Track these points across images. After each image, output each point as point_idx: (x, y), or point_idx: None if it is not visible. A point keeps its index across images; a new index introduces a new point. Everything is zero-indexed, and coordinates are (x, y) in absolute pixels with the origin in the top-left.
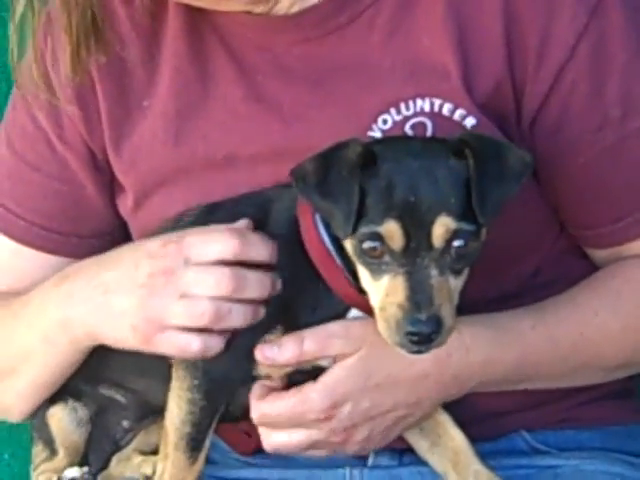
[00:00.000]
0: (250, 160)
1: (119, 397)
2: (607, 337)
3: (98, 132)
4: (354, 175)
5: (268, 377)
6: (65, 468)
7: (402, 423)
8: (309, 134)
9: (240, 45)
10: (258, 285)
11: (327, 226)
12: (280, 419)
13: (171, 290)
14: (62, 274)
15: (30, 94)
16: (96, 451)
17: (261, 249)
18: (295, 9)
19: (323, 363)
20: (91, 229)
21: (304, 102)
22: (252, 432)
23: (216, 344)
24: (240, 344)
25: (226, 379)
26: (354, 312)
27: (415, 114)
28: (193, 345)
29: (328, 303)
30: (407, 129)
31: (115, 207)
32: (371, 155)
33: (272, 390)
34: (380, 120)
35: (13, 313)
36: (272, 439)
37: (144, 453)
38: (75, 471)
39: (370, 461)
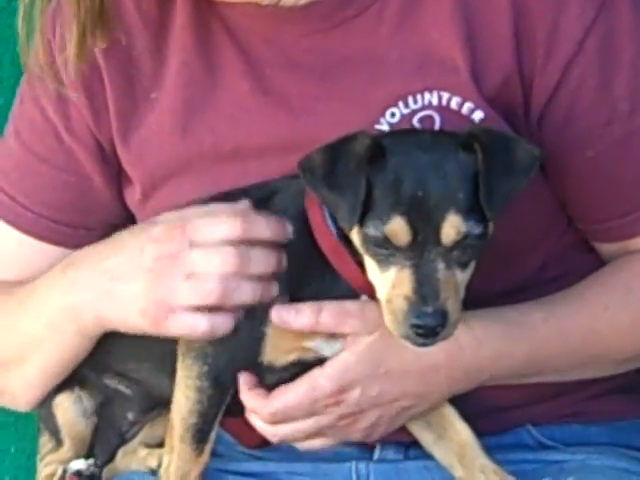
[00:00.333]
0: (258, 152)
1: (123, 388)
2: (617, 331)
3: (106, 124)
4: (361, 168)
5: (270, 367)
6: (71, 459)
7: (409, 412)
8: (316, 127)
9: (247, 37)
10: (264, 260)
11: (333, 217)
12: (292, 411)
13: (178, 272)
14: (66, 262)
15: (37, 81)
16: (102, 443)
17: (265, 227)
18: (303, 1)
19: (326, 353)
20: (99, 221)
21: (312, 95)
22: None
23: (224, 323)
24: (247, 328)
25: (233, 365)
26: (364, 299)
27: (423, 107)
28: (201, 325)
29: (336, 293)
30: (415, 122)
31: (123, 199)
32: (379, 148)
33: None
34: (388, 113)
35: (19, 301)
36: (280, 430)
37: (150, 446)
38: (81, 463)
39: (376, 455)
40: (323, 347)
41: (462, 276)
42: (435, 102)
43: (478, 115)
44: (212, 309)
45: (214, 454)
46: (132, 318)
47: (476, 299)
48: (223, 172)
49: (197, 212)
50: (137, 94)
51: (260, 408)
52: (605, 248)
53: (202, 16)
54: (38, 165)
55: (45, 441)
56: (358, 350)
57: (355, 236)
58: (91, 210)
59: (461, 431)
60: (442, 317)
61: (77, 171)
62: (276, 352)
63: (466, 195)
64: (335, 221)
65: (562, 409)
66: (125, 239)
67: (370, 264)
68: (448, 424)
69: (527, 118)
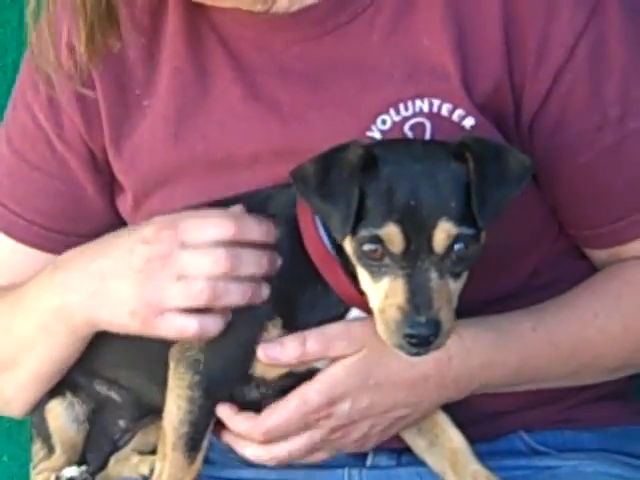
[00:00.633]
0: (249, 160)
1: (115, 395)
2: (607, 339)
3: (98, 132)
4: (354, 177)
5: (262, 379)
6: (63, 466)
7: (400, 423)
8: (308, 134)
9: (239, 44)
10: (254, 262)
11: (326, 227)
12: (285, 427)
13: (168, 273)
14: (54, 265)
15: (30, 88)
16: (94, 451)
17: (256, 229)
18: (294, 8)
19: (318, 365)
20: (91, 229)
21: (303, 102)
22: None
23: (214, 324)
24: (239, 336)
25: (225, 375)
26: (354, 312)
27: (414, 114)
28: (191, 326)
29: (327, 303)
30: (406, 130)
31: (115, 207)
32: (372, 158)
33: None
34: (379, 120)
35: (10, 305)
36: (275, 452)
37: (142, 453)
38: (73, 470)
39: (369, 461)
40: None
41: (455, 286)
42: (426, 109)
43: (469, 122)
44: (202, 310)
45: (207, 461)
46: (122, 319)
47: (467, 306)
48: (215, 179)
49: (188, 214)
50: (129, 102)
51: (252, 429)
52: (596, 254)
53: (193, 23)
54: (30, 172)
55: (37, 449)
56: (347, 363)
57: (348, 246)
58: (83, 218)
59: (453, 437)
60: (435, 327)
61: (69, 179)
62: (267, 365)
63: (458, 204)
64: (327, 231)
65: (554, 415)
66: (114, 240)
67: (363, 274)
68: (440, 431)
69: (518, 124)
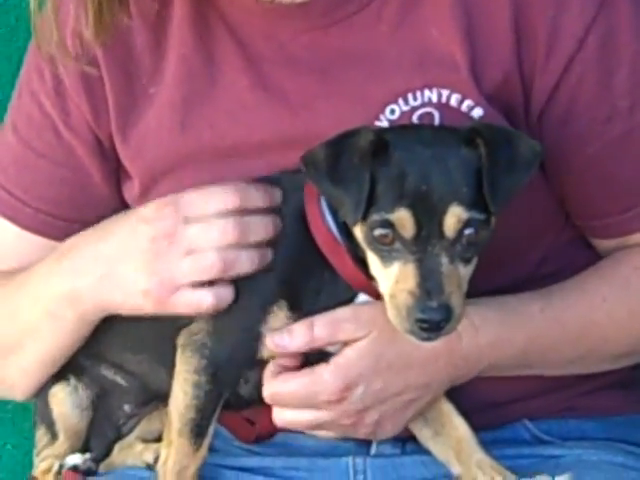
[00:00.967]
0: (257, 148)
1: (120, 380)
2: (615, 323)
3: (105, 119)
4: (365, 162)
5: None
6: (66, 453)
7: (413, 406)
8: (316, 123)
9: (247, 33)
10: (262, 227)
11: (333, 213)
12: (292, 398)
13: (176, 249)
14: (59, 252)
15: (35, 75)
16: (98, 437)
17: (258, 195)
18: None
19: (330, 349)
20: (97, 216)
21: (311, 91)
22: (255, 420)
23: (226, 294)
24: (245, 319)
25: (232, 359)
26: (362, 299)
27: (423, 104)
28: (206, 299)
29: (333, 289)
30: (414, 119)
31: (121, 194)
32: (383, 143)
33: (286, 369)
34: (388, 110)
35: (14, 290)
36: (283, 415)
37: (146, 441)
38: (77, 458)
39: (373, 450)
40: None
41: (465, 271)
42: (435, 99)
43: (477, 112)
44: (212, 281)
45: (211, 449)
46: (135, 300)
47: (475, 294)
48: (222, 167)
49: (189, 190)
50: (136, 89)
51: (265, 385)
52: (603, 244)
53: (201, 11)
54: (36, 160)
55: (41, 435)
56: (359, 346)
57: (358, 231)
58: (89, 205)
59: (458, 426)
60: (446, 311)
61: (76, 166)
62: (270, 349)
63: (469, 189)
64: (334, 217)
65: (559, 404)
66: (115, 224)
67: (373, 260)
68: (446, 419)
69: (527, 115)
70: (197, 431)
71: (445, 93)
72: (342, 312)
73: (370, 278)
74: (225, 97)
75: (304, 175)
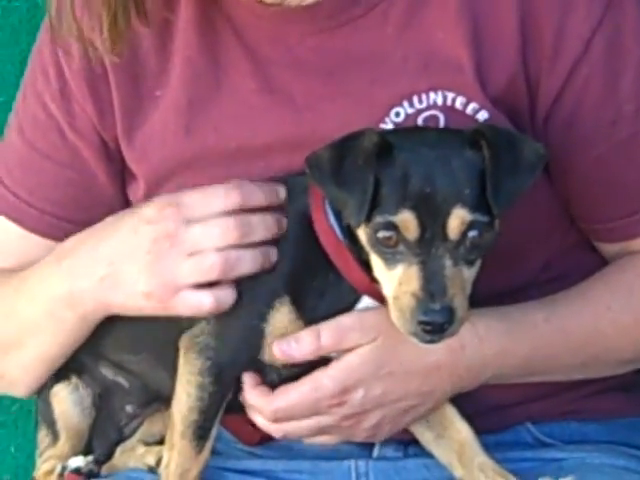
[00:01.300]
0: (262, 151)
1: (121, 380)
2: (619, 331)
3: (110, 121)
4: (370, 164)
5: (272, 365)
6: (68, 454)
7: (413, 412)
8: (321, 125)
9: (253, 36)
10: (263, 227)
11: (337, 215)
12: (294, 410)
13: (178, 251)
14: (58, 252)
15: (40, 76)
16: (100, 438)
17: (260, 194)
18: (308, 0)
19: (331, 354)
20: (101, 218)
21: (317, 93)
22: None
23: (227, 296)
24: (248, 317)
25: (235, 360)
26: (365, 301)
27: (428, 107)
28: (206, 301)
29: (337, 291)
30: (420, 122)
31: (126, 196)
32: (387, 145)
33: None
34: (393, 113)
35: (14, 289)
36: (283, 427)
37: (148, 444)
38: (80, 460)
39: (375, 452)
40: None
41: (469, 273)
42: (440, 102)
43: (483, 115)
44: (212, 284)
45: (213, 452)
46: (136, 301)
47: (479, 298)
48: (227, 170)
49: (190, 190)
50: (142, 92)
51: (263, 406)
52: (607, 248)
53: (207, 14)
54: (41, 162)
55: (43, 436)
56: (361, 352)
57: (362, 233)
58: (94, 206)
59: (461, 429)
60: (449, 314)
61: (81, 168)
62: (277, 357)
63: (473, 191)
64: (338, 219)
65: (561, 407)
66: (116, 223)
67: (376, 262)
68: (448, 423)
69: (532, 118)
70: (200, 433)
71: (450, 96)
72: (348, 319)
73: (374, 281)
74: (230, 100)
75: (309, 177)
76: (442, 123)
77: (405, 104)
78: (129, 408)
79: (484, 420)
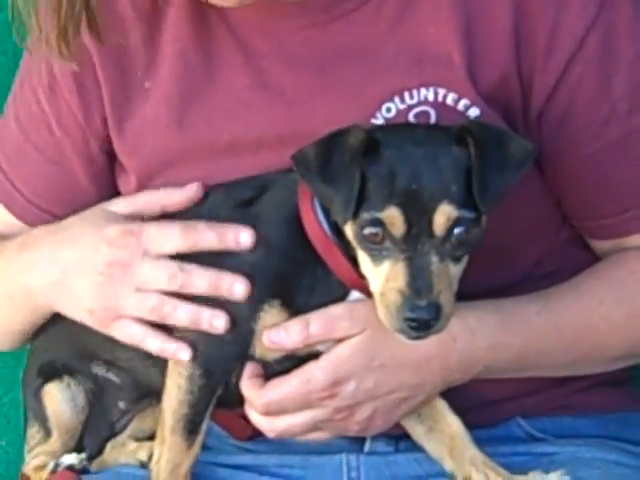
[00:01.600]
0: (254, 145)
1: (113, 377)
2: (611, 326)
3: (95, 119)
4: (356, 161)
5: (263, 360)
6: (59, 451)
7: (405, 405)
8: (312, 120)
9: (246, 30)
10: (204, 282)
11: (326, 211)
12: (286, 403)
13: (128, 282)
14: (24, 240)
15: (34, 70)
16: (92, 435)
17: (214, 238)
18: None
19: (320, 348)
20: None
21: (308, 88)
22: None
23: (155, 342)
24: (238, 316)
25: (224, 355)
26: (354, 296)
27: (419, 103)
28: (138, 336)
29: (327, 287)
30: (411, 118)
31: (107, 196)
32: (373, 142)
33: (257, 380)
34: (384, 108)
35: None
36: (276, 424)
37: (139, 440)
38: (73, 457)
39: (366, 447)
40: None
41: (455, 269)
42: (431, 98)
43: (474, 112)
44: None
45: (204, 447)
46: (80, 314)
47: (471, 295)
48: (219, 164)
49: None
50: (131, 84)
51: (254, 398)
52: (600, 245)
53: (199, 7)
54: (34, 153)
55: (34, 432)
56: (352, 343)
57: (349, 230)
58: (75, 204)
59: (452, 423)
60: (435, 310)
61: (64, 165)
62: (266, 346)
63: (459, 188)
64: (327, 215)
65: (552, 401)
66: (81, 230)
67: (363, 258)
68: (439, 416)
69: (525, 115)
70: (190, 428)
71: (441, 92)
72: (337, 309)
73: (362, 276)
74: (222, 93)
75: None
76: (433, 119)
77: (396, 100)
78: (121, 404)
79: (476, 415)
